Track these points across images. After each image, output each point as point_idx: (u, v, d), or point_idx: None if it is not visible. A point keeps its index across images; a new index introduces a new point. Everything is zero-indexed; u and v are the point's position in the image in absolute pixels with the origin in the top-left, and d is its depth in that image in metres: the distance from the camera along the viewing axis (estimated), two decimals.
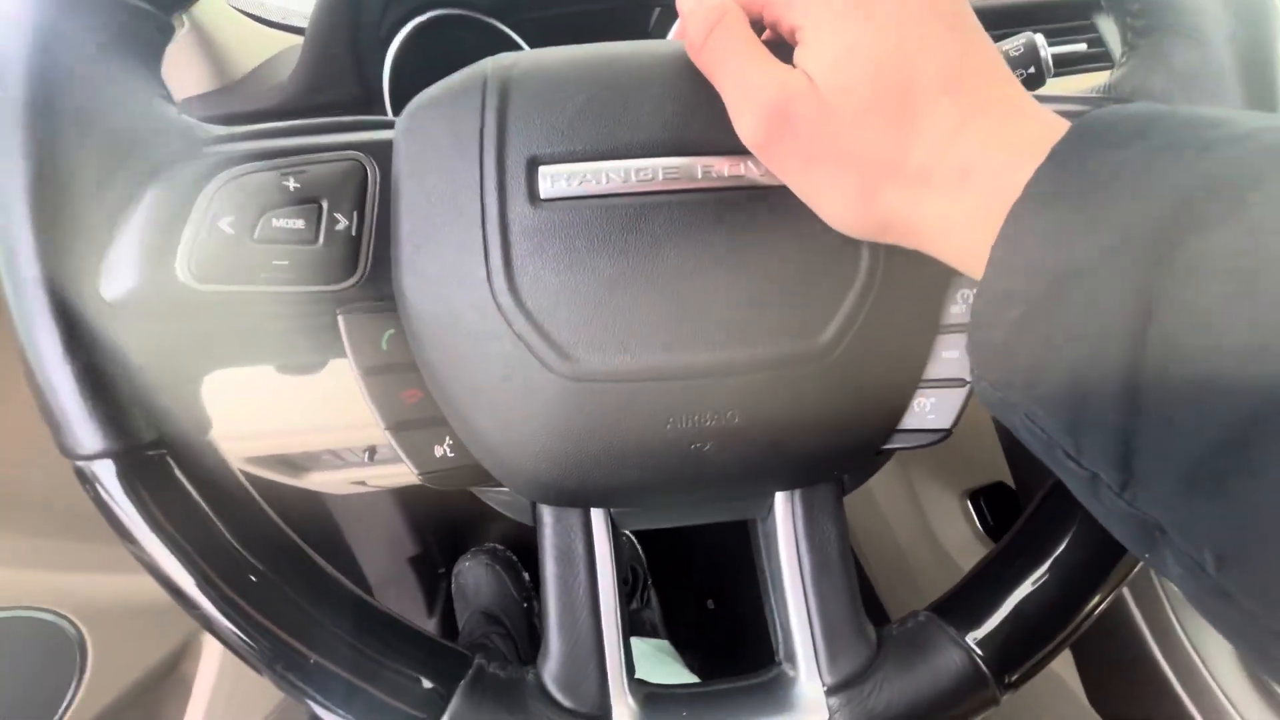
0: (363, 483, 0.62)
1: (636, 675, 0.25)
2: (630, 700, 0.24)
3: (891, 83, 0.18)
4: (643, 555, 0.99)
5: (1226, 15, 0.24)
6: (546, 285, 0.22)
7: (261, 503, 0.24)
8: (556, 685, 0.24)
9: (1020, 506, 0.70)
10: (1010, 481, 0.70)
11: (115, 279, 0.20)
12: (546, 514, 0.25)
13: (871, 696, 0.24)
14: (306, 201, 0.22)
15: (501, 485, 0.25)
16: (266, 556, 0.23)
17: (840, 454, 0.25)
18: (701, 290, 0.22)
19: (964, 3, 0.19)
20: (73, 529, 0.52)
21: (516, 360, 0.22)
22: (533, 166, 0.22)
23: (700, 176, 0.22)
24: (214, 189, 0.21)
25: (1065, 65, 0.52)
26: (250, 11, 0.59)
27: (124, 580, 0.57)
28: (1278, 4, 0.25)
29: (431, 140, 0.23)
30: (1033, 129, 0.18)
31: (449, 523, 1.03)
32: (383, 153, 0.23)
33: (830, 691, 0.25)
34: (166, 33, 0.23)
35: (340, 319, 0.22)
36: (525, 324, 0.22)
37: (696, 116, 0.22)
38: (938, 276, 0.24)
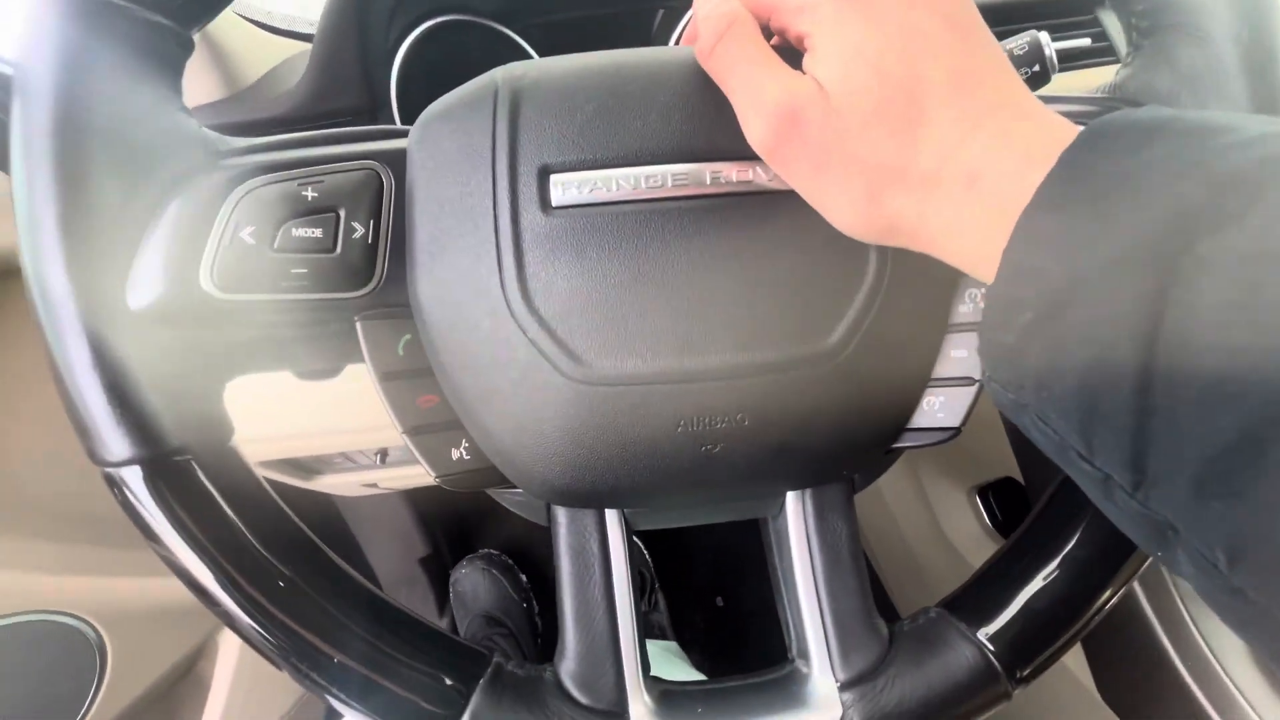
0: (374, 485, 0.62)
1: (652, 673, 0.26)
2: (646, 697, 0.25)
3: (898, 87, 0.18)
4: (649, 559, 1.00)
5: (1230, 15, 0.24)
6: (559, 291, 0.22)
7: (283, 505, 0.24)
8: (574, 683, 0.24)
9: (1029, 501, 0.70)
10: (1019, 476, 0.70)
11: (141, 290, 0.21)
12: (561, 515, 0.26)
13: (884, 692, 0.25)
14: (324, 211, 0.22)
15: (516, 487, 0.25)
16: (289, 558, 0.23)
17: (850, 454, 0.25)
18: (711, 294, 0.22)
19: (969, 4, 0.20)
20: (92, 534, 0.53)
21: (530, 365, 0.22)
22: (544, 175, 0.22)
23: (709, 182, 0.22)
24: (235, 200, 0.22)
25: (1070, 60, 0.52)
26: (256, 19, 0.60)
27: (142, 584, 0.58)
28: None
29: (444, 150, 0.23)
30: (1040, 133, 0.18)
31: (459, 524, 1.03)
32: (397, 162, 0.23)
33: (843, 687, 0.25)
34: (186, 48, 0.23)
35: (358, 325, 0.23)
36: (538, 329, 0.22)
37: (705, 123, 0.22)
38: (946, 276, 0.25)
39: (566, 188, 0.22)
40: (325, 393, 0.43)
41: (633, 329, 0.22)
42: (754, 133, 0.20)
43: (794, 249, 0.23)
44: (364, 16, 0.49)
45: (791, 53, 0.21)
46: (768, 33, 0.22)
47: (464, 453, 0.24)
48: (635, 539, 1.03)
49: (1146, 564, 0.27)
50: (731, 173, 0.22)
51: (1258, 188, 0.14)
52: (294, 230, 0.22)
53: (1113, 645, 0.57)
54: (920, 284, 0.24)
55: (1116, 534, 0.26)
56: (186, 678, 0.68)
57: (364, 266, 0.23)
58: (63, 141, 0.20)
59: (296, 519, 0.24)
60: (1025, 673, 0.25)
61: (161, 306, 0.21)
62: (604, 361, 0.22)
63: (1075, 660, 0.61)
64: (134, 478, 0.21)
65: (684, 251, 0.22)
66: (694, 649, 0.99)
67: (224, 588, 0.22)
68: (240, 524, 0.23)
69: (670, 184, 0.22)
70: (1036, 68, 0.31)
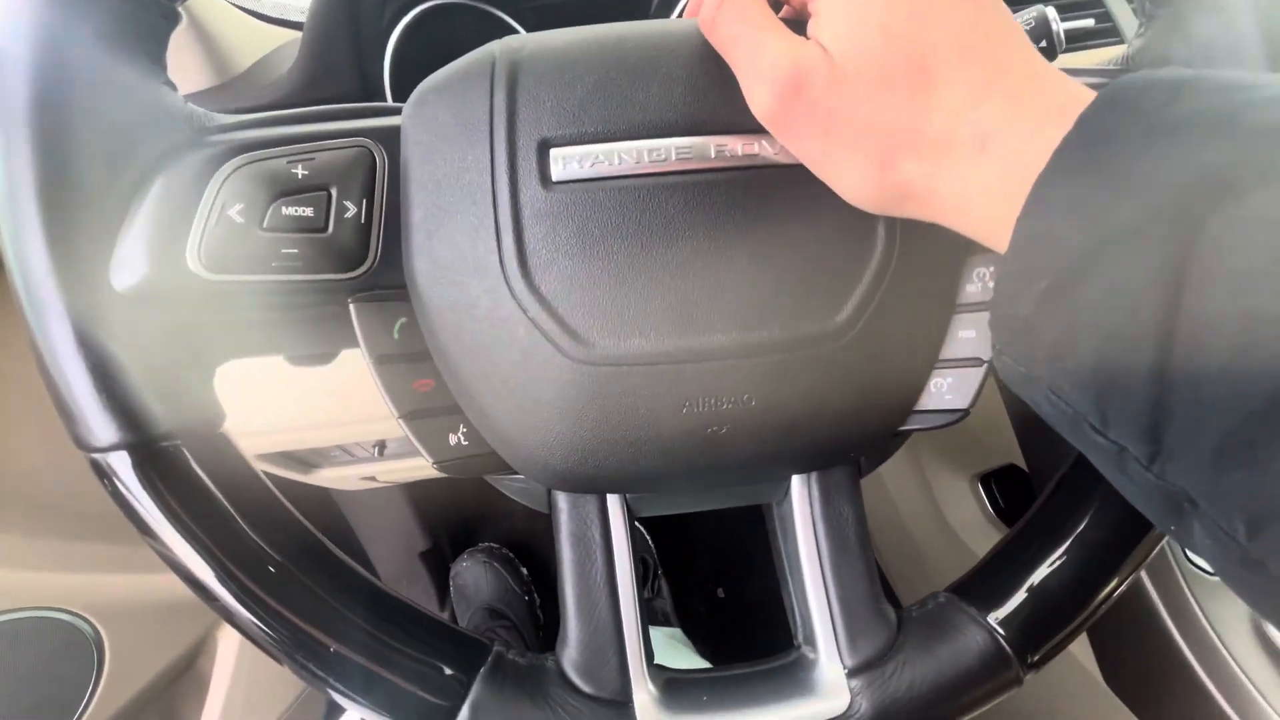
0: (373, 478, 0.62)
1: (655, 661, 0.25)
2: (650, 686, 0.24)
3: (907, 51, 0.18)
4: (652, 545, 1.00)
5: None
6: (560, 269, 0.21)
7: (277, 493, 0.24)
8: (576, 671, 0.24)
9: (1032, 488, 0.70)
10: (1022, 463, 0.70)
11: (125, 270, 0.20)
12: (562, 501, 0.25)
13: (893, 678, 0.24)
14: (315, 189, 0.22)
15: (516, 473, 0.25)
16: (284, 547, 0.22)
17: (857, 436, 0.25)
18: (716, 272, 0.21)
19: None
20: (89, 530, 0.53)
21: (530, 346, 0.22)
22: (544, 149, 0.21)
23: (714, 156, 0.21)
24: (222, 177, 0.21)
25: (1073, 41, 0.52)
26: (247, 7, 0.59)
27: (140, 579, 0.57)
28: None
29: (440, 125, 0.22)
30: (1054, 96, 0.17)
31: (460, 517, 1.03)
32: (391, 139, 0.23)
33: (851, 673, 0.24)
34: (171, 19, 0.22)
35: (352, 307, 0.22)
36: (539, 309, 0.21)
37: (709, 95, 0.22)
38: (954, 255, 0.24)
39: (567, 162, 0.21)
40: (320, 383, 0.43)
41: (636, 307, 0.21)
42: (757, 101, 0.20)
43: (801, 225, 0.22)
44: (356, 2, 0.48)
45: (798, 23, 0.20)
46: (776, 5, 0.21)
47: (462, 438, 0.24)
48: (639, 526, 1.04)
49: (1158, 548, 0.26)
50: (737, 146, 0.22)
51: None
52: (284, 209, 0.21)
53: (1118, 631, 0.57)
54: (928, 262, 0.23)
55: (1127, 517, 0.25)
56: (186, 674, 0.68)
57: (357, 247, 0.22)
58: (41, 117, 0.19)
59: (291, 507, 0.24)
60: (1036, 658, 0.25)
61: (147, 287, 0.20)
62: (606, 341, 0.21)
63: (1080, 647, 0.61)
64: (122, 465, 0.21)
65: (688, 228, 0.21)
66: (697, 637, 0.99)
67: (217, 578, 0.21)
68: (233, 512, 0.22)
69: (674, 158, 0.21)
70: (1043, 43, 0.30)
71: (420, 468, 0.62)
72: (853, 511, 0.26)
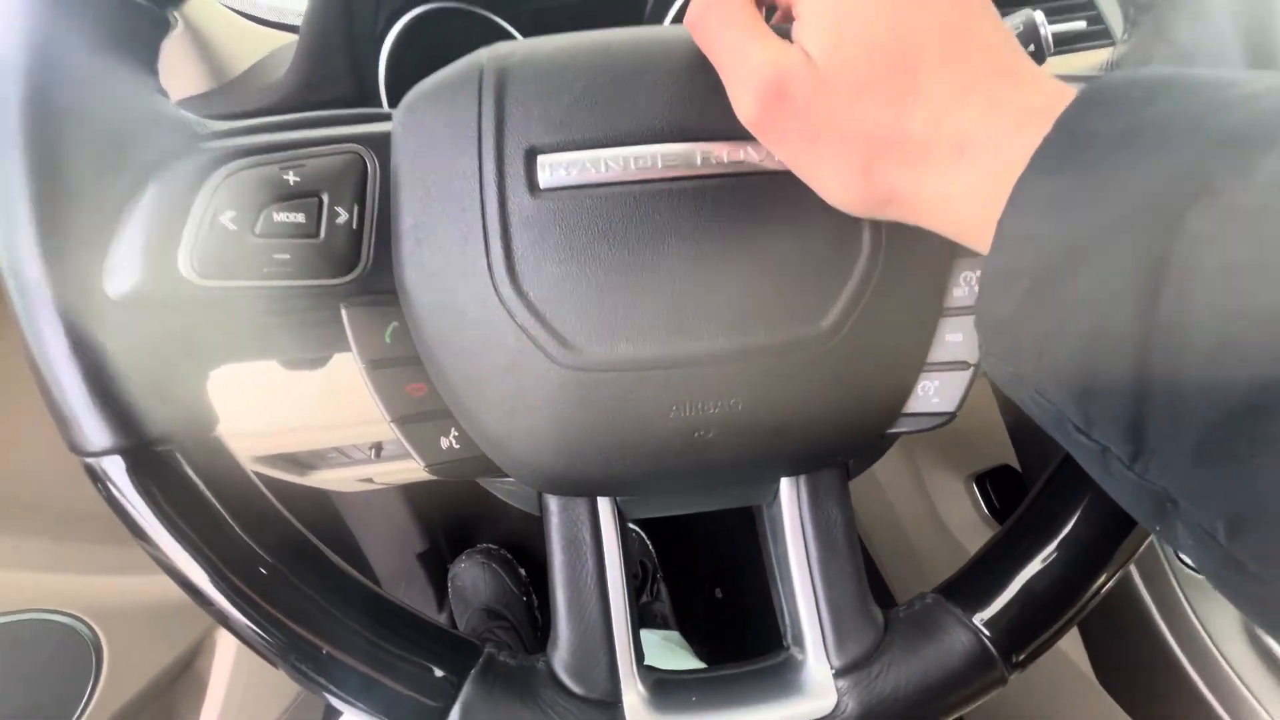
0: (369, 480, 0.62)
1: (646, 662, 0.26)
2: (640, 686, 0.24)
3: (888, 56, 0.18)
4: (652, 549, 1.00)
5: None
6: (548, 275, 0.22)
7: (270, 497, 0.24)
8: (566, 672, 0.24)
9: (1026, 489, 0.70)
10: (1016, 464, 0.70)
11: (119, 276, 0.20)
12: (553, 503, 0.26)
13: (880, 678, 0.24)
14: (307, 195, 0.22)
15: (507, 476, 0.25)
16: (277, 550, 0.23)
17: (845, 439, 0.25)
18: (703, 277, 0.22)
19: None
20: (87, 532, 0.53)
21: (519, 351, 0.22)
22: (531, 156, 0.22)
23: (700, 163, 0.22)
24: (214, 184, 0.21)
25: (1064, 43, 0.52)
26: (242, 10, 0.59)
27: (138, 581, 0.57)
28: None
29: (429, 132, 0.22)
30: (1034, 98, 0.17)
31: (458, 518, 1.03)
32: (381, 145, 0.23)
33: (839, 674, 0.25)
34: (162, 27, 0.23)
35: (344, 312, 0.23)
36: (527, 315, 0.22)
37: (695, 102, 0.22)
38: (941, 259, 0.24)
39: (554, 169, 0.22)
40: (316, 386, 0.43)
41: (623, 313, 0.22)
42: (742, 105, 0.20)
43: (787, 231, 0.22)
44: (351, 5, 0.48)
45: (785, 28, 0.21)
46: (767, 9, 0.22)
47: (453, 441, 0.24)
48: (638, 530, 1.04)
49: (1141, 549, 0.26)
50: (723, 153, 0.22)
51: (1266, 142, 0.13)
52: (276, 215, 0.21)
53: (1110, 631, 0.57)
54: (914, 267, 0.24)
55: (1111, 518, 0.26)
56: (184, 676, 0.68)
57: (348, 252, 0.22)
58: (34, 124, 0.19)
59: (284, 510, 0.24)
60: (1021, 657, 0.25)
61: (140, 293, 0.21)
62: (594, 346, 0.22)
63: (1073, 646, 0.62)
64: (116, 469, 0.21)
65: (675, 234, 0.22)
66: (695, 638, 0.99)
67: (211, 581, 0.21)
68: (227, 515, 0.22)
69: (660, 165, 0.22)
70: (1031, 47, 0.31)
71: (417, 470, 0.62)
72: (841, 514, 0.26)
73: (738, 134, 0.21)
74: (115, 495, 0.21)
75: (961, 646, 0.25)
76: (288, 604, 0.22)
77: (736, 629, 1.00)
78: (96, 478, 0.21)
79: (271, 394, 0.43)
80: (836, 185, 0.20)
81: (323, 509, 0.92)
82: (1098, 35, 0.53)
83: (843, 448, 0.26)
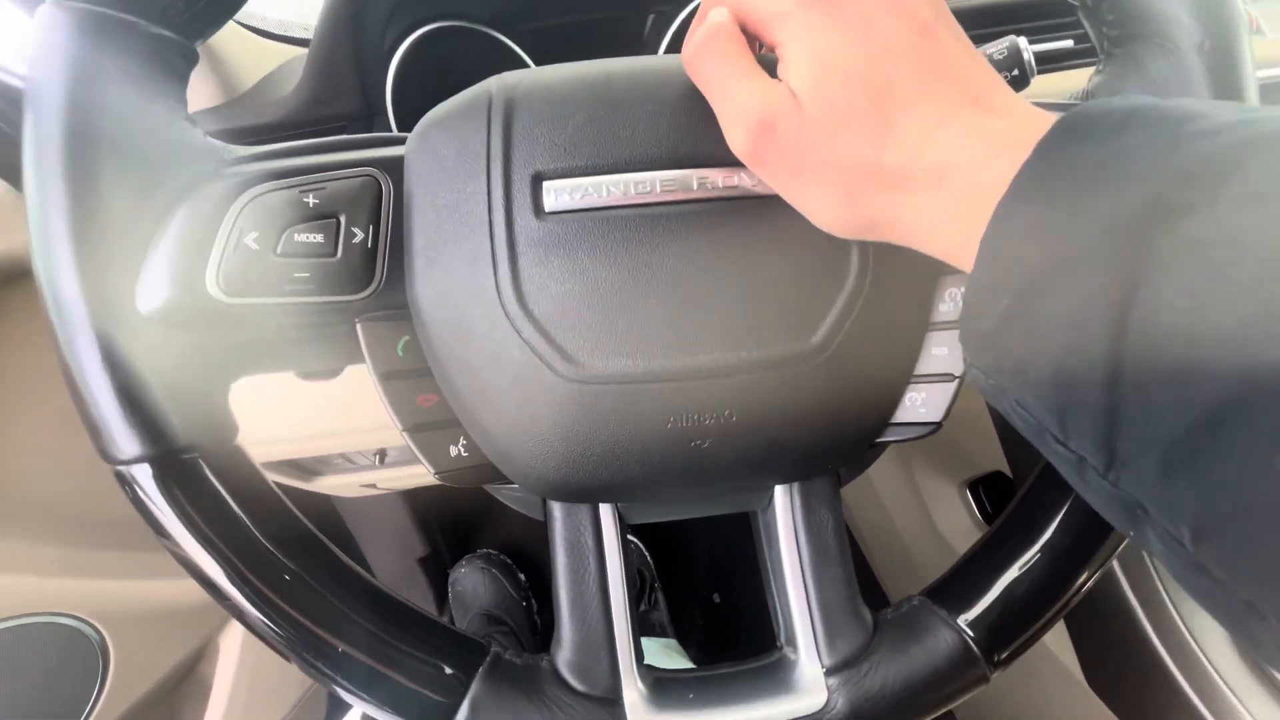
0: (373, 485, 0.63)
1: (645, 661, 0.27)
2: (640, 684, 0.26)
3: (865, 92, 0.19)
4: (650, 559, 1.01)
5: (1195, 26, 0.25)
6: (551, 294, 0.23)
7: (287, 502, 0.25)
8: (570, 670, 0.25)
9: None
10: (1007, 470, 0.71)
11: (150, 294, 0.22)
12: (556, 509, 0.27)
13: (868, 677, 0.25)
14: (325, 217, 0.23)
15: (513, 483, 0.26)
16: (294, 552, 0.24)
17: (835, 448, 0.26)
18: (699, 296, 0.23)
19: (939, 6, 0.20)
20: (95, 536, 0.54)
21: (524, 365, 0.23)
22: (537, 181, 0.23)
23: (696, 187, 0.23)
24: (239, 207, 0.22)
25: (1050, 62, 0.53)
26: (250, 25, 0.60)
27: (144, 585, 0.58)
28: (1244, 14, 0.26)
29: (440, 157, 0.24)
30: (1008, 125, 0.18)
31: (458, 523, 1.04)
32: (396, 168, 0.24)
33: (829, 672, 0.26)
34: (191, 59, 0.24)
35: (359, 327, 0.24)
36: (532, 331, 0.23)
37: (691, 130, 0.23)
38: (926, 277, 0.26)
39: (559, 194, 0.23)
40: (326, 394, 0.44)
41: (623, 329, 0.23)
42: (734, 141, 0.21)
43: (778, 251, 0.23)
44: (359, 22, 0.50)
45: (772, 61, 0.22)
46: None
47: (462, 450, 0.25)
48: (635, 540, 1.04)
49: (1119, 550, 0.28)
50: (718, 178, 0.23)
51: (1228, 174, 0.14)
52: (296, 235, 0.23)
53: (1097, 631, 0.58)
54: (901, 284, 0.25)
55: (1090, 522, 0.27)
56: (188, 679, 0.69)
57: (364, 270, 0.23)
58: (74, 151, 0.21)
59: (300, 515, 0.25)
60: (1003, 656, 0.26)
61: (169, 310, 0.22)
62: (596, 361, 0.23)
63: (1062, 647, 0.62)
64: (144, 476, 0.22)
65: (672, 255, 0.23)
66: (692, 644, 1.00)
67: (232, 582, 0.23)
68: (246, 520, 0.23)
69: (659, 189, 0.23)
70: (1015, 72, 0.32)
71: (420, 475, 0.63)
72: (833, 519, 0.27)
73: (731, 160, 0.22)
74: (142, 499, 0.22)
75: (946, 646, 0.26)
76: (304, 603, 0.23)
77: (731, 634, 1.01)
78: (125, 483, 0.22)
79: (284, 402, 0.45)
80: (822, 211, 0.21)
81: (325, 514, 0.93)
82: (1086, 53, 0.55)
83: (833, 457, 0.27)
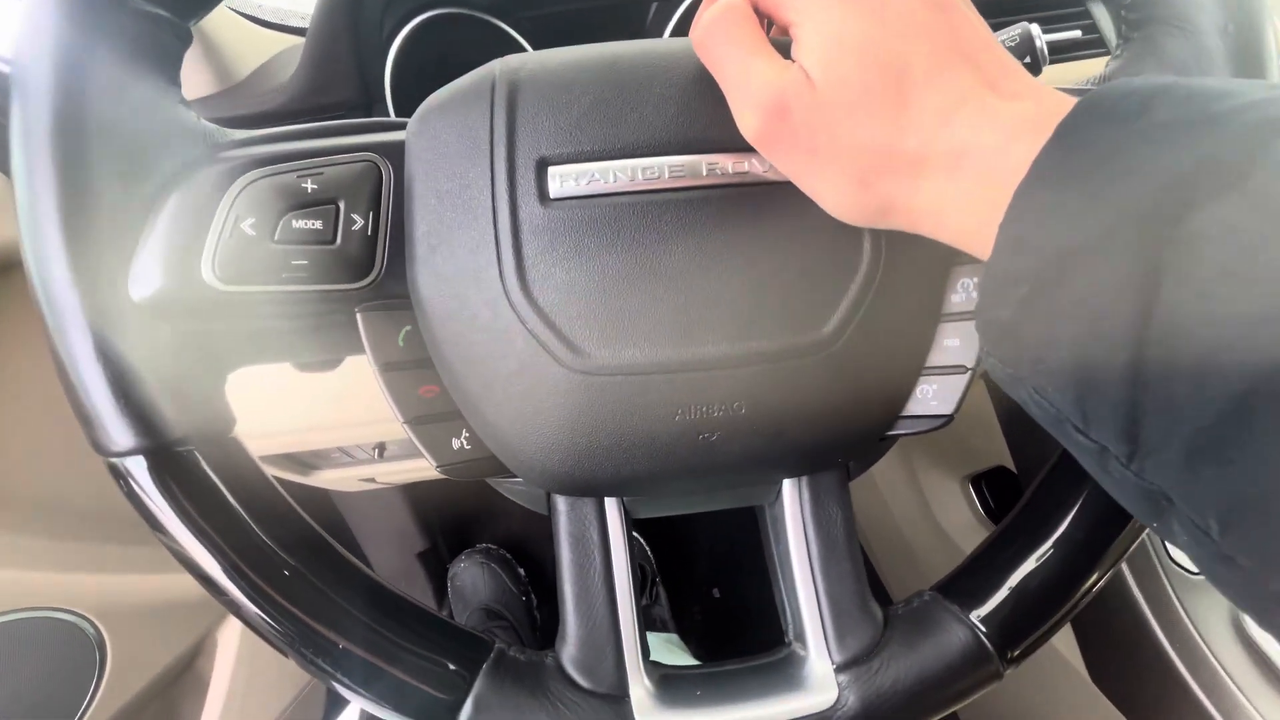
0: (372, 479, 0.62)
1: (651, 657, 0.26)
2: (646, 681, 0.25)
3: (881, 73, 0.19)
4: (650, 554, 1.01)
5: (1217, 8, 0.25)
6: (557, 282, 0.22)
7: (286, 495, 0.25)
8: (575, 667, 0.25)
9: (1021, 489, 0.71)
10: (1010, 465, 0.71)
11: (143, 282, 0.21)
12: (561, 503, 0.26)
13: (879, 673, 0.25)
14: (324, 203, 0.22)
15: (516, 476, 0.26)
16: (292, 546, 0.23)
17: (845, 441, 0.26)
18: (707, 285, 0.22)
19: None
20: (91, 530, 0.53)
21: (529, 356, 0.22)
22: (542, 167, 0.22)
23: (705, 174, 0.22)
24: (235, 192, 0.22)
25: (1061, 52, 0.53)
26: (247, 13, 0.59)
27: (141, 580, 0.58)
28: None
29: (442, 142, 0.23)
30: (1027, 108, 0.18)
31: (457, 518, 1.04)
32: (396, 154, 0.24)
33: (839, 669, 0.25)
34: (184, 40, 0.23)
35: (359, 316, 0.23)
36: (537, 321, 0.22)
37: (700, 115, 0.22)
38: (940, 266, 0.25)
39: (564, 179, 0.22)
40: (325, 385, 0.43)
41: (630, 319, 0.22)
42: (745, 123, 0.21)
43: (789, 240, 0.23)
44: (358, 10, 0.49)
45: (785, 42, 0.21)
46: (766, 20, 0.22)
47: (464, 442, 0.24)
48: (637, 535, 1.04)
49: (1134, 546, 0.27)
50: (728, 164, 0.22)
51: (1257, 152, 0.14)
52: (294, 222, 0.22)
53: (1103, 629, 0.58)
54: (913, 274, 0.24)
55: (1105, 517, 0.26)
56: (185, 674, 0.68)
57: (364, 258, 0.23)
58: (63, 135, 0.20)
59: (298, 508, 0.25)
60: (1016, 653, 0.26)
61: (163, 298, 0.21)
62: (602, 351, 0.22)
63: (1067, 645, 0.62)
64: (138, 468, 0.21)
65: (681, 243, 0.22)
66: (693, 639, 1.00)
67: (230, 577, 0.22)
68: (243, 513, 0.23)
69: (667, 176, 0.22)
70: (1027, 59, 0.31)
71: (419, 469, 0.63)
72: (841, 513, 0.27)
73: (741, 145, 0.22)
74: (137, 493, 0.22)
75: (958, 642, 0.25)
76: (304, 599, 0.23)
77: (733, 629, 1.01)
78: (119, 476, 0.22)
79: (282, 394, 0.44)
80: (836, 198, 0.21)
81: (323, 508, 0.92)
82: (1093, 44, 0.54)
83: (843, 450, 0.26)
